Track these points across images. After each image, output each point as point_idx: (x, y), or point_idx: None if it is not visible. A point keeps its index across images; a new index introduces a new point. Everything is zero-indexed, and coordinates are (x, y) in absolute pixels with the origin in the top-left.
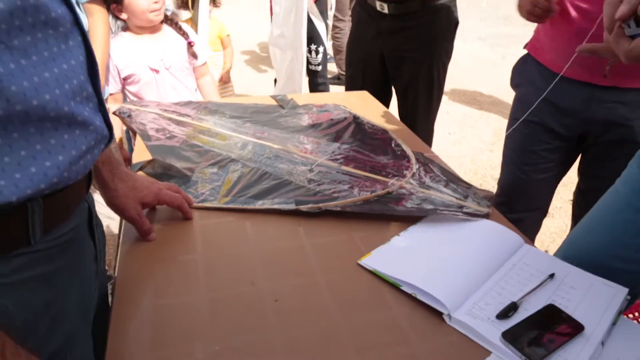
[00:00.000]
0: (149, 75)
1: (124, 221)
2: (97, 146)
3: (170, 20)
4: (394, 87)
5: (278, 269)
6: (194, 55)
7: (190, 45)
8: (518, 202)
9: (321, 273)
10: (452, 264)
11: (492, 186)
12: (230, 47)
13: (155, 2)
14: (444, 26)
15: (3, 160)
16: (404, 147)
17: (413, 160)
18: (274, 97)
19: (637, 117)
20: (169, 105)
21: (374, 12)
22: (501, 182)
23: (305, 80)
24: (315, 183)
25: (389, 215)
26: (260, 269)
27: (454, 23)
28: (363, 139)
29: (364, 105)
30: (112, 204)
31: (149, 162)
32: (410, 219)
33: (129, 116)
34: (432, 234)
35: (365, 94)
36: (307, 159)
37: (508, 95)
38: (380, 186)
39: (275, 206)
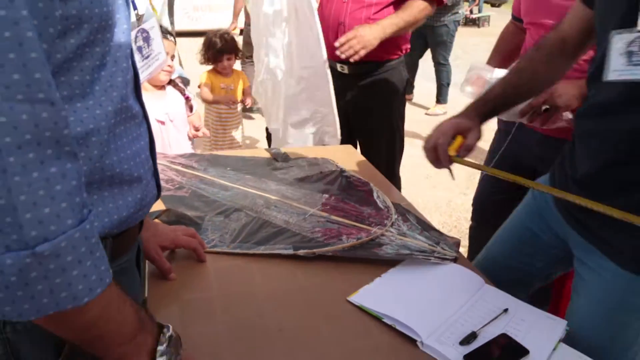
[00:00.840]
0: (155, 126)
1: (148, 264)
2: (151, 201)
3: (170, 79)
4: (358, 139)
5: (281, 303)
6: (190, 109)
7: (188, 99)
8: (485, 213)
9: (316, 307)
10: (425, 300)
11: (466, 227)
12: (250, 97)
13: (170, 66)
14: (397, 81)
15: (98, 210)
16: (385, 198)
17: (392, 210)
18: (268, 150)
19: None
20: (175, 157)
21: (335, 72)
22: (474, 196)
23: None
24: (309, 231)
25: (372, 259)
26: (266, 304)
27: (405, 78)
28: (349, 191)
29: (349, 158)
30: None
31: (164, 211)
32: (391, 262)
33: None
34: (408, 276)
35: (349, 148)
36: (301, 209)
37: (481, 141)
38: (364, 234)
39: (276, 251)
